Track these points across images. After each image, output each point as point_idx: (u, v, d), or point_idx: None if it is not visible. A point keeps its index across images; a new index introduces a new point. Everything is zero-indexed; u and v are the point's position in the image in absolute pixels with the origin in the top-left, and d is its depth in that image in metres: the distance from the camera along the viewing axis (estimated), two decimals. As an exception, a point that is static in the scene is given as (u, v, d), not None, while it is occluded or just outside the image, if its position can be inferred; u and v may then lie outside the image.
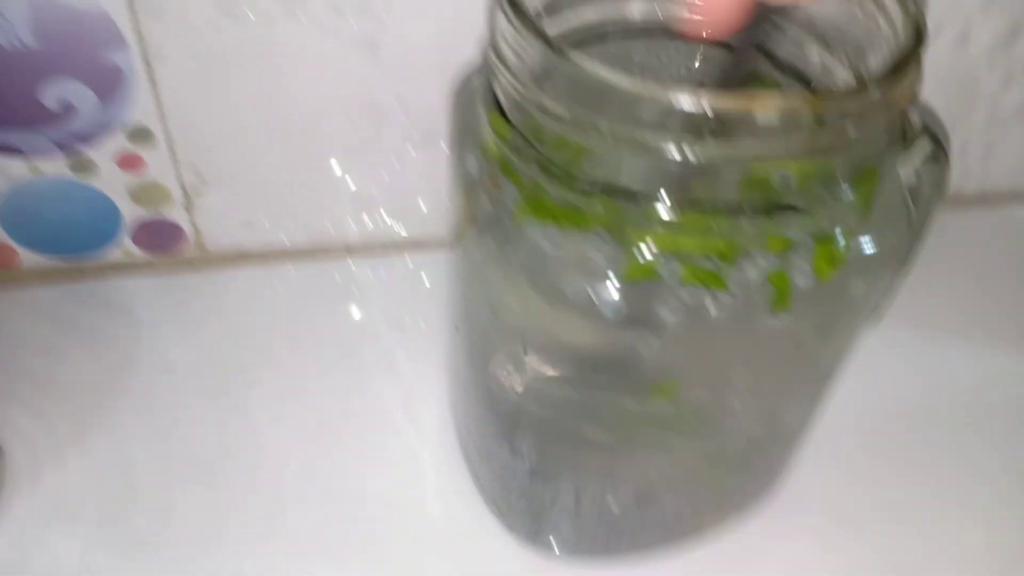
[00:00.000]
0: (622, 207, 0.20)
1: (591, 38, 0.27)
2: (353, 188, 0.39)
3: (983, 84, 0.40)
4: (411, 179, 0.39)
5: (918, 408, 0.37)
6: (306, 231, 0.41)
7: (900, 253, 0.29)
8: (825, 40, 0.24)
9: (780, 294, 0.21)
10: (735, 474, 0.30)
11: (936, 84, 0.39)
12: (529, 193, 0.22)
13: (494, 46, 0.21)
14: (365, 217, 0.41)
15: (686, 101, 0.18)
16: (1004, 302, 0.42)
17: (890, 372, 0.38)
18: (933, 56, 0.38)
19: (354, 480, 0.34)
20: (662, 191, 0.20)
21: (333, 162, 0.38)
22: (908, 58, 0.19)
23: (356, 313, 0.40)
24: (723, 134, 0.19)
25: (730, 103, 0.18)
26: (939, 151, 0.26)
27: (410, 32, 0.34)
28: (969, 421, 0.37)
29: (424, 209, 0.40)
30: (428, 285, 0.41)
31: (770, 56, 0.25)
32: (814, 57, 0.25)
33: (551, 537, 0.31)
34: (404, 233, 0.42)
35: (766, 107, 0.18)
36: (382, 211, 0.40)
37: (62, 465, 0.34)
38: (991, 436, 0.36)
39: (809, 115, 0.18)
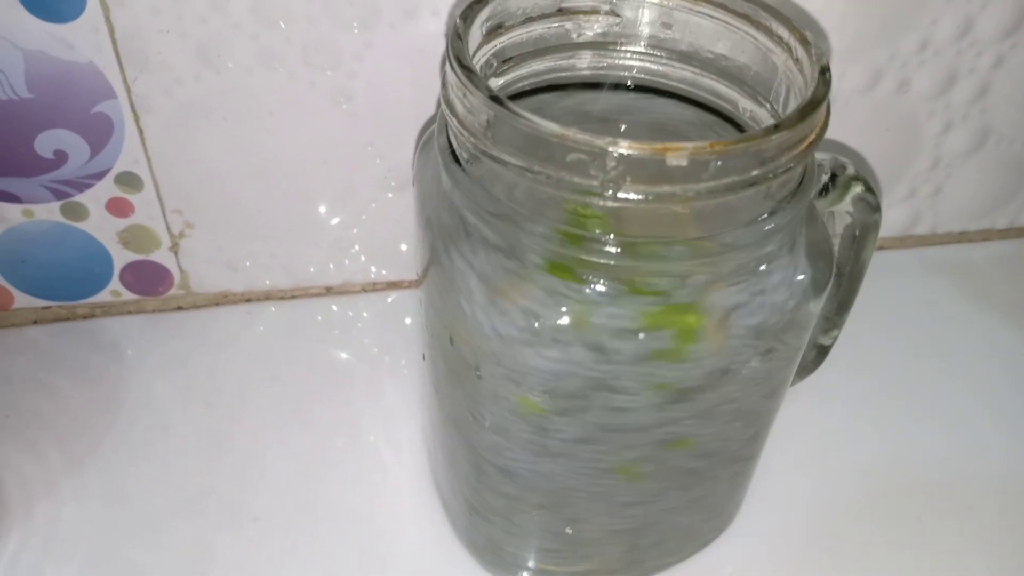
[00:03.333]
0: (563, 249, 0.22)
1: (549, 88, 0.29)
2: (333, 232, 0.41)
3: (925, 129, 0.42)
4: (389, 223, 0.41)
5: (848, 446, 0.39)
6: (287, 273, 0.43)
7: (836, 295, 0.32)
8: (751, 89, 0.27)
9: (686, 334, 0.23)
10: (694, 509, 0.31)
11: (880, 130, 0.42)
12: (482, 237, 0.24)
13: (445, 98, 0.24)
14: (345, 260, 0.43)
15: (603, 146, 0.20)
16: (955, 340, 0.44)
17: (832, 413, 0.39)
18: (876, 103, 0.40)
19: (334, 510, 0.35)
20: (603, 233, 0.22)
21: (313, 208, 0.40)
22: (811, 103, 0.21)
23: (336, 351, 0.42)
24: (644, 180, 0.21)
25: (642, 149, 0.20)
26: (868, 196, 0.28)
27: (383, 83, 0.36)
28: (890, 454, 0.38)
29: (403, 250, 0.42)
30: (408, 322, 0.43)
31: (705, 108, 0.28)
32: (746, 107, 0.27)
33: (516, 569, 0.32)
34: (384, 273, 0.44)
35: (675, 152, 0.20)
36: (361, 254, 0.42)
37: (55, 499, 0.35)
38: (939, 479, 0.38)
39: (714, 158, 0.20)
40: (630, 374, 0.23)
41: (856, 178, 0.28)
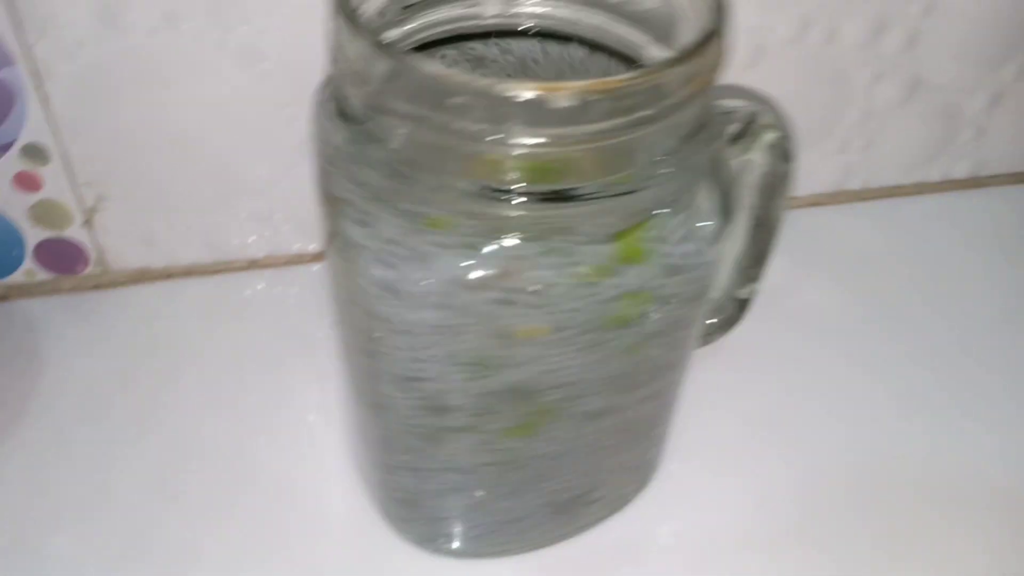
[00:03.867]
0: (457, 202, 0.22)
1: (450, 39, 0.28)
2: (252, 202, 0.40)
3: (855, 80, 0.42)
4: (306, 191, 0.40)
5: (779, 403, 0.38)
6: (209, 247, 0.41)
7: (751, 247, 0.31)
8: (657, 32, 0.26)
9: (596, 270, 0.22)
10: (609, 468, 0.31)
11: (809, 80, 0.41)
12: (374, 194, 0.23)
13: (332, 50, 0.22)
14: (266, 231, 0.41)
15: (487, 88, 0.19)
16: (888, 296, 0.44)
17: (754, 367, 0.39)
18: (804, 53, 0.40)
19: (259, 483, 0.34)
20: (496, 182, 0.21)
21: (230, 176, 0.39)
22: (702, 39, 0.21)
23: (262, 325, 0.41)
24: (544, 123, 0.20)
25: (533, 89, 0.19)
26: (782, 143, 0.28)
27: (296, 39, 0.35)
28: (827, 413, 0.38)
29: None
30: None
31: (612, 52, 0.27)
32: (652, 52, 0.27)
33: (434, 539, 0.32)
34: (311, 247, 0.42)
35: (566, 91, 0.19)
36: (282, 224, 0.41)
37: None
38: (853, 428, 0.38)
39: (608, 97, 0.19)
40: (527, 325, 0.23)
41: (769, 125, 0.28)
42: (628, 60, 0.28)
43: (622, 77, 0.20)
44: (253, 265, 0.42)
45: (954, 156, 0.48)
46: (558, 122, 0.20)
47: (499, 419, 0.26)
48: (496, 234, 0.22)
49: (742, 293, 0.33)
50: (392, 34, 0.26)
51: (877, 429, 0.37)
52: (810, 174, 0.46)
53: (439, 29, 0.27)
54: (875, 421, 0.38)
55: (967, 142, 0.47)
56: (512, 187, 0.21)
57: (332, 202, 0.24)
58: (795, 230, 0.45)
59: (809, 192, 0.47)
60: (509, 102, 0.19)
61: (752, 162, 0.30)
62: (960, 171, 0.49)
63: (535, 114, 0.20)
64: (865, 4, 0.39)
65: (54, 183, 0.38)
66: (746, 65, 0.40)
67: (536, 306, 0.23)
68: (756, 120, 0.28)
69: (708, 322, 0.34)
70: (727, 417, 0.37)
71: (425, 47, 0.28)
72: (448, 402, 0.25)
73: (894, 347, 0.41)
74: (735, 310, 0.34)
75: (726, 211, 0.25)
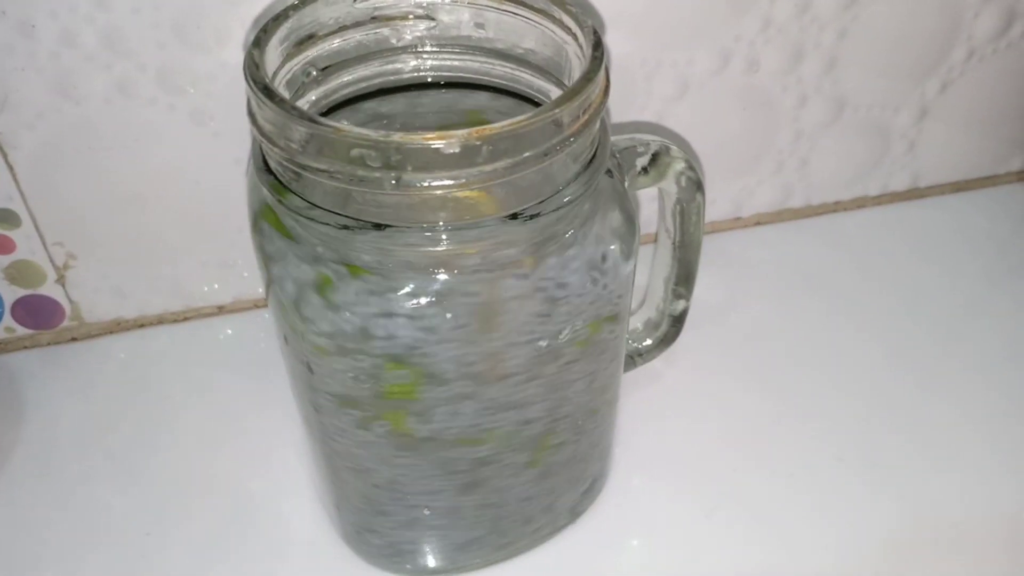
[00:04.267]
0: (368, 241, 0.24)
1: (375, 92, 0.30)
2: (216, 252, 0.42)
3: (780, 104, 0.44)
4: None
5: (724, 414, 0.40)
6: (177, 295, 0.43)
7: (675, 268, 0.33)
8: (557, 79, 0.28)
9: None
10: (556, 485, 0.33)
11: (737, 109, 0.43)
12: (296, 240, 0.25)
13: (250, 114, 0.25)
14: (230, 277, 0.44)
15: (378, 139, 0.21)
16: (834, 307, 0.45)
17: (699, 381, 0.41)
18: (728, 84, 0.42)
19: (230, 522, 0.36)
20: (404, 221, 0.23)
21: (192, 228, 0.41)
22: (580, 81, 0.23)
23: (232, 369, 0.43)
24: (424, 167, 0.22)
25: (418, 139, 0.21)
26: (689, 173, 0.30)
27: (240, 99, 0.37)
28: (772, 422, 0.40)
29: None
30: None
31: (525, 99, 0.29)
32: (554, 95, 0.29)
33: (392, 559, 0.33)
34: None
35: (447, 139, 0.21)
36: (244, 270, 0.43)
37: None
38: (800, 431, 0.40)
39: (482, 143, 0.21)
40: (447, 355, 0.25)
41: (677, 157, 0.30)
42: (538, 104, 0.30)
43: (503, 123, 0.22)
44: (221, 311, 0.45)
45: (891, 169, 0.50)
46: (451, 165, 0.22)
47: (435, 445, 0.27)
48: (414, 272, 0.24)
49: (674, 310, 0.36)
50: (316, 92, 0.28)
51: (823, 430, 0.39)
52: (751, 195, 0.48)
53: (362, 85, 0.30)
54: (821, 424, 0.39)
55: (900, 156, 0.49)
56: (423, 225, 0.23)
57: (261, 248, 0.26)
58: (741, 249, 0.48)
59: (753, 212, 0.49)
60: (402, 150, 0.22)
61: (666, 191, 0.32)
62: (899, 184, 0.51)
63: (428, 160, 0.22)
64: (780, 35, 0.41)
65: (26, 244, 0.40)
66: (673, 98, 0.42)
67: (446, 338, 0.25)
68: (666, 152, 0.30)
69: (646, 341, 0.36)
70: (676, 430, 0.39)
71: (350, 102, 0.30)
72: (379, 425, 0.27)
73: (841, 357, 0.43)
74: (672, 327, 0.36)
75: (629, 233, 0.27)
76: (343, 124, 0.22)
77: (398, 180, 0.22)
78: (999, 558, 0.35)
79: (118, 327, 0.44)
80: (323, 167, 0.22)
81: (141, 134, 0.38)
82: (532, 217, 0.24)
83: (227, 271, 0.43)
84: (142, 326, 0.44)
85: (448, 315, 0.24)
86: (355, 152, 0.22)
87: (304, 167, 0.23)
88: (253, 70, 0.23)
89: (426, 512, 0.30)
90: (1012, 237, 0.50)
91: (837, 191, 0.50)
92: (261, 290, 0.44)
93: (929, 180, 0.52)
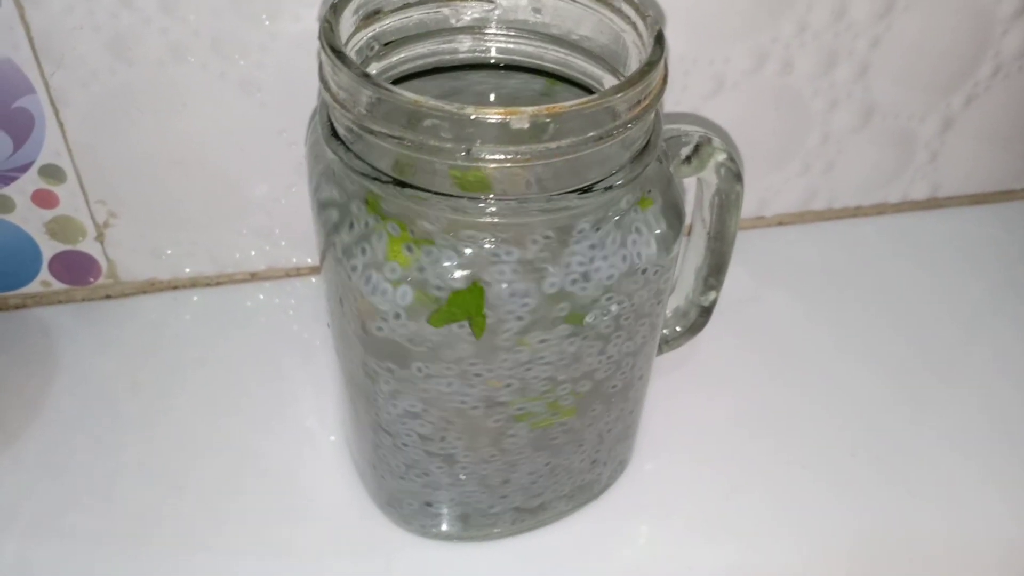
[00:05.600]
0: (437, 211, 0.25)
1: (430, 71, 0.31)
2: (253, 219, 0.43)
3: (812, 107, 0.45)
4: (307, 208, 0.43)
5: (743, 403, 0.41)
6: (211, 260, 0.44)
7: (708, 259, 0.34)
8: (611, 66, 0.29)
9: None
10: (584, 461, 0.34)
11: (768, 108, 0.44)
12: (363, 206, 0.26)
13: (321, 78, 0.26)
14: (267, 246, 0.44)
15: (454, 111, 0.22)
16: (848, 309, 0.46)
17: (720, 371, 0.42)
18: (762, 84, 0.43)
19: (259, 478, 0.37)
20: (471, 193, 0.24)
21: (232, 195, 0.42)
22: (643, 68, 0.24)
23: (262, 335, 0.44)
24: (494, 141, 0.23)
25: (491, 113, 0.22)
26: (730, 164, 0.31)
27: (290, 72, 0.38)
28: (788, 412, 0.41)
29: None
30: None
31: (573, 83, 0.30)
32: (609, 82, 0.30)
33: (423, 523, 0.34)
34: (308, 260, 0.46)
35: (518, 115, 0.22)
36: (281, 239, 0.44)
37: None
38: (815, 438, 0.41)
39: (552, 120, 0.22)
40: (499, 328, 0.26)
41: (718, 148, 0.31)
42: (588, 90, 0.31)
43: (571, 103, 0.23)
44: (254, 277, 0.46)
45: (912, 178, 0.51)
46: (518, 141, 0.23)
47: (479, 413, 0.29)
48: (472, 239, 0.25)
49: (704, 301, 0.37)
50: (376, 66, 0.29)
51: (838, 425, 0.40)
52: (776, 194, 0.49)
53: (419, 63, 0.31)
54: (836, 419, 0.41)
55: (922, 165, 0.50)
56: (484, 196, 0.24)
57: (324, 210, 0.27)
58: (763, 247, 0.49)
59: (776, 212, 0.50)
60: (474, 123, 0.23)
61: (706, 181, 0.33)
62: (918, 193, 0.52)
63: (497, 134, 0.23)
64: (815, 40, 0.42)
65: (69, 200, 0.41)
66: (708, 95, 0.43)
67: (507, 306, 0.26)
68: (707, 143, 0.31)
69: (676, 328, 0.37)
70: (698, 415, 0.40)
71: (406, 79, 0.31)
72: (429, 393, 0.28)
73: (854, 355, 0.44)
74: (699, 316, 0.37)
75: (676, 220, 0.28)
76: (420, 96, 0.22)
77: (468, 152, 0.23)
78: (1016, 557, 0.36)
79: (151, 287, 0.45)
80: (395, 134, 0.23)
81: (190, 99, 0.38)
82: (585, 194, 0.25)
83: (263, 239, 0.44)
84: (175, 288, 0.45)
85: (504, 285, 0.25)
86: (429, 123, 0.23)
87: (374, 132, 0.24)
88: (329, 35, 0.24)
89: (462, 478, 0.31)
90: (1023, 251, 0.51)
91: (859, 196, 0.51)
92: (295, 259, 0.45)
93: (948, 191, 0.53)
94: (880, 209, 0.52)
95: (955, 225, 0.52)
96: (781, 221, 0.51)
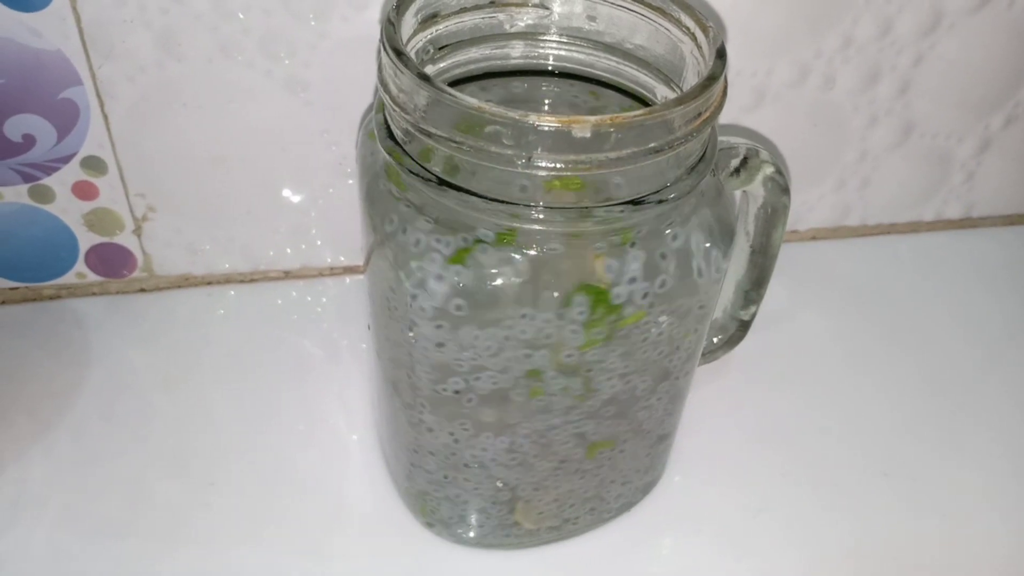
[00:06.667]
0: (493, 217, 0.25)
1: (481, 75, 0.32)
2: (291, 217, 0.43)
3: (851, 123, 0.45)
4: (345, 208, 0.43)
5: (777, 418, 0.41)
6: (246, 257, 0.45)
7: (751, 272, 0.34)
8: (666, 76, 0.29)
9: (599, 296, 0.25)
10: (619, 473, 0.34)
11: (808, 123, 0.44)
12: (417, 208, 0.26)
13: (380, 79, 0.26)
14: (302, 244, 0.45)
15: (516, 119, 0.22)
16: (881, 326, 0.46)
17: (755, 385, 0.42)
18: (804, 97, 0.43)
19: (289, 475, 0.37)
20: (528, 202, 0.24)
21: (271, 193, 0.42)
22: (705, 81, 0.24)
23: (295, 333, 0.44)
24: (555, 149, 0.23)
25: (554, 121, 0.22)
26: (778, 177, 0.31)
27: (336, 73, 0.38)
28: (822, 429, 0.41)
29: (359, 236, 0.45)
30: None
31: (623, 92, 0.30)
32: (663, 93, 0.30)
33: (455, 528, 0.34)
34: (342, 259, 0.46)
35: (580, 124, 0.22)
36: (318, 239, 0.44)
37: (25, 460, 0.37)
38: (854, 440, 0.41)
39: (614, 130, 0.22)
40: (547, 334, 0.26)
41: (766, 161, 0.31)
42: (638, 99, 0.31)
43: (634, 113, 0.23)
44: (287, 276, 0.46)
45: (946, 197, 0.51)
46: (578, 150, 0.23)
47: (516, 416, 0.29)
48: (522, 245, 0.25)
49: (744, 315, 0.36)
50: (430, 70, 0.29)
51: (869, 444, 0.40)
52: (811, 210, 0.49)
53: (471, 67, 0.31)
54: (868, 437, 0.41)
55: (959, 185, 0.50)
56: (537, 204, 0.24)
57: (376, 211, 0.27)
58: (796, 262, 0.49)
59: (809, 227, 0.50)
60: (536, 131, 0.23)
61: (752, 194, 0.33)
62: (953, 212, 0.52)
63: (558, 142, 0.23)
64: (858, 55, 0.42)
65: (109, 193, 0.41)
66: (748, 108, 0.43)
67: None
68: (755, 156, 0.31)
69: (713, 340, 0.37)
70: (728, 430, 0.40)
71: (458, 82, 0.31)
72: (476, 395, 0.28)
73: (885, 372, 0.44)
74: (738, 330, 0.37)
75: (727, 233, 0.28)
76: (482, 102, 0.22)
77: (529, 159, 0.23)
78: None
79: (186, 282, 0.45)
80: (456, 139, 0.23)
81: (236, 96, 0.39)
82: (638, 207, 0.25)
83: (300, 238, 0.44)
84: (209, 283, 0.45)
85: (555, 294, 0.25)
86: (490, 129, 0.23)
87: (433, 136, 0.24)
88: (392, 37, 0.24)
89: (499, 485, 0.31)
90: (1056, 274, 0.51)
91: (894, 213, 0.51)
92: (330, 259, 0.45)
93: (982, 211, 0.52)
94: (914, 227, 0.52)
95: (989, 245, 0.52)
96: (815, 236, 0.50)
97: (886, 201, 0.50)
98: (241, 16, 0.36)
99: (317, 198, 0.43)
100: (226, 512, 0.36)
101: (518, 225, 0.24)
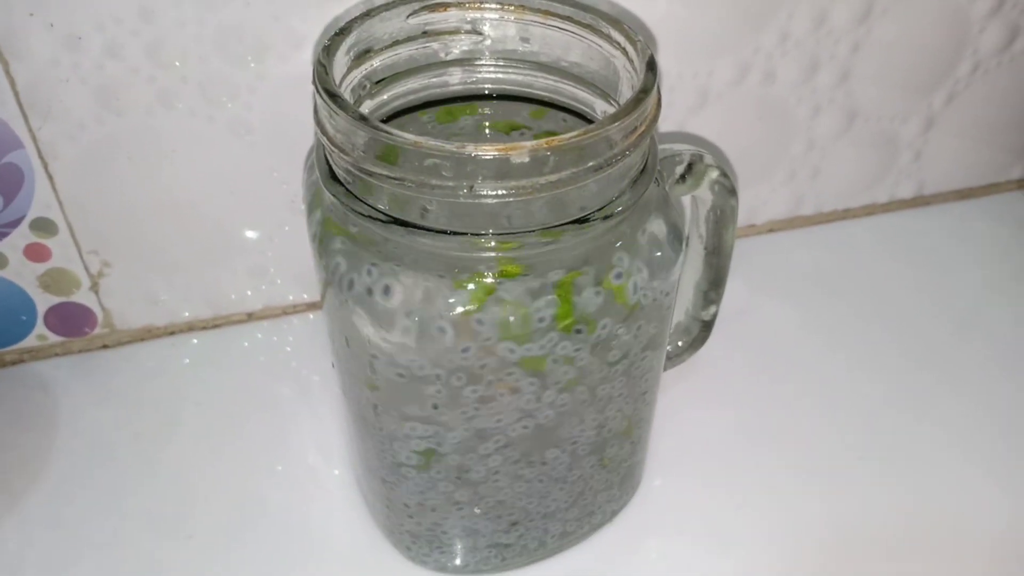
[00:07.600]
0: (438, 244, 0.25)
1: (427, 104, 0.32)
2: (247, 259, 0.43)
3: (795, 115, 0.45)
4: (302, 245, 0.43)
5: (748, 414, 0.41)
6: (207, 303, 0.44)
7: (708, 274, 0.34)
8: (602, 91, 0.29)
9: (564, 310, 0.25)
10: (601, 486, 0.34)
11: (753, 119, 0.44)
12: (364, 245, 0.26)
13: (317, 121, 0.26)
14: (262, 285, 0.44)
15: (454, 151, 0.22)
16: (844, 311, 0.47)
17: (724, 384, 0.42)
18: (746, 94, 0.43)
19: (266, 520, 0.37)
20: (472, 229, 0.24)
21: (225, 236, 0.42)
22: (636, 96, 0.24)
23: (262, 374, 0.43)
24: (495, 177, 0.23)
25: (491, 150, 0.22)
26: (724, 180, 0.31)
27: (278, 113, 0.38)
28: (793, 421, 0.41)
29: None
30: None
31: (563, 109, 0.30)
32: (602, 108, 0.30)
33: (437, 557, 0.34)
34: (304, 296, 0.45)
35: (518, 151, 0.22)
36: (277, 277, 0.44)
37: (-3, 533, 0.36)
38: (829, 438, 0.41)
39: (551, 153, 0.22)
40: (503, 358, 0.26)
41: (711, 165, 0.31)
42: (579, 116, 0.31)
43: (569, 135, 0.23)
44: (251, 318, 0.45)
45: (897, 178, 0.51)
46: (519, 175, 0.23)
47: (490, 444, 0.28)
48: (475, 274, 0.25)
49: (705, 315, 0.37)
50: (368, 105, 0.29)
51: (844, 428, 0.41)
52: (765, 203, 0.50)
53: (411, 97, 0.31)
54: (842, 422, 0.41)
55: (908, 164, 0.51)
56: (484, 231, 0.24)
57: (326, 252, 0.27)
58: (756, 255, 0.49)
59: (766, 219, 0.51)
60: (475, 160, 0.23)
61: (700, 198, 0.33)
62: (905, 192, 0.53)
63: (498, 169, 0.23)
64: (796, 48, 0.42)
65: (62, 253, 0.40)
66: (694, 109, 0.43)
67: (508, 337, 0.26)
68: (700, 161, 0.31)
69: (678, 343, 0.38)
70: (703, 428, 0.40)
71: (397, 115, 0.31)
72: (442, 431, 0.28)
73: (854, 355, 0.44)
74: (701, 331, 0.38)
75: (677, 241, 0.28)
76: (419, 137, 0.23)
77: (470, 188, 0.23)
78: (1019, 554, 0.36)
79: (148, 334, 0.45)
80: (396, 175, 0.23)
81: (179, 145, 0.38)
82: (584, 224, 0.25)
83: (258, 279, 0.44)
84: (172, 333, 0.45)
85: (511, 318, 0.25)
86: (429, 162, 0.23)
87: (373, 175, 0.24)
88: (324, 78, 0.24)
89: (476, 511, 0.31)
90: (1012, 242, 0.52)
91: (847, 199, 0.51)
92: (292, 297, 0.45)
93: (934, 188, 0.53)
94: (869, 210, 0.52)
95: (943, 221, 0.53)
96: (772, 228, 0.51)
97: (839, 187, 0.50)
98: (178, 64, 0.36)
99: (272, 236, 0.42)
100: (207, 564, 0.36)
101: (466, 254, 0.24)
